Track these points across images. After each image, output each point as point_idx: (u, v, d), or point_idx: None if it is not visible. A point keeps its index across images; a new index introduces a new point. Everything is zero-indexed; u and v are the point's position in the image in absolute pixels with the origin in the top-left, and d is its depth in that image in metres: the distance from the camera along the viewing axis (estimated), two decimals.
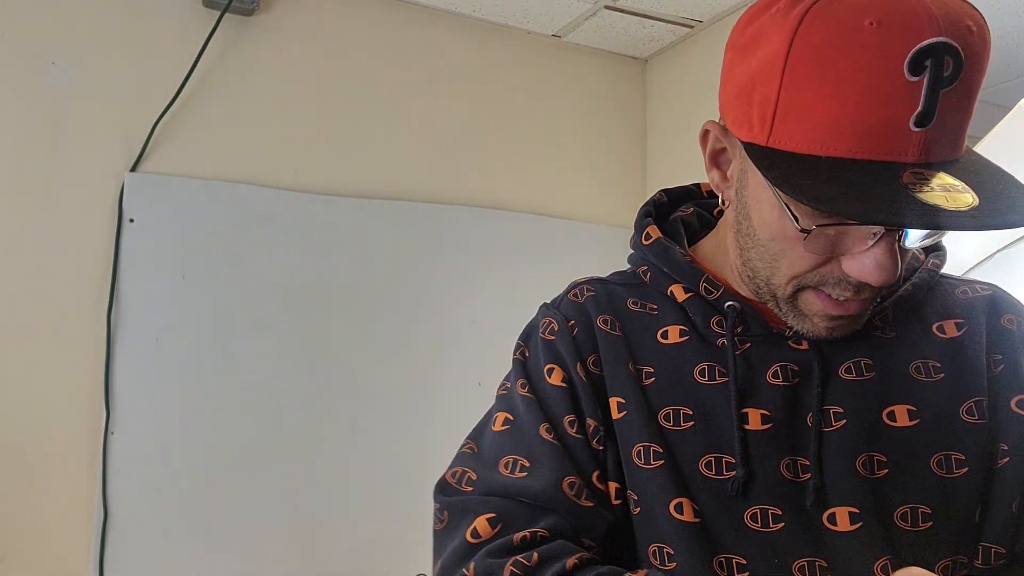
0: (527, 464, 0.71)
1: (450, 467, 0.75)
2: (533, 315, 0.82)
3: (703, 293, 0.73)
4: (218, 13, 1.95)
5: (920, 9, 0.54)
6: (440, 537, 0.72)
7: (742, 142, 0.63)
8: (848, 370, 0.69)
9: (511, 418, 0.75)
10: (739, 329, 0.71)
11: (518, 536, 0.66)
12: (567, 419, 0.72)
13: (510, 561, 0.64)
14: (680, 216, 0.83)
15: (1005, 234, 1.45)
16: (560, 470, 0.69)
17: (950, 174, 0.56)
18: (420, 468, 2.05)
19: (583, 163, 2.46)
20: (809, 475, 0.67)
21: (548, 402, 0.73)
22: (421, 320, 2.13)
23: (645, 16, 2.26)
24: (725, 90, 0.66)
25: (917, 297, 0.73)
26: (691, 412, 0.70)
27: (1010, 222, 0.53)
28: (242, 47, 2.01)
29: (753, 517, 0.66)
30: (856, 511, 0.65)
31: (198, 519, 1.84)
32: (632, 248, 0.81)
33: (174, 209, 1.89)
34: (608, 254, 2.29)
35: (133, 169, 1.87)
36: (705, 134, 0.70)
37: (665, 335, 0.74)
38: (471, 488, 0.72)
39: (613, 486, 0.71)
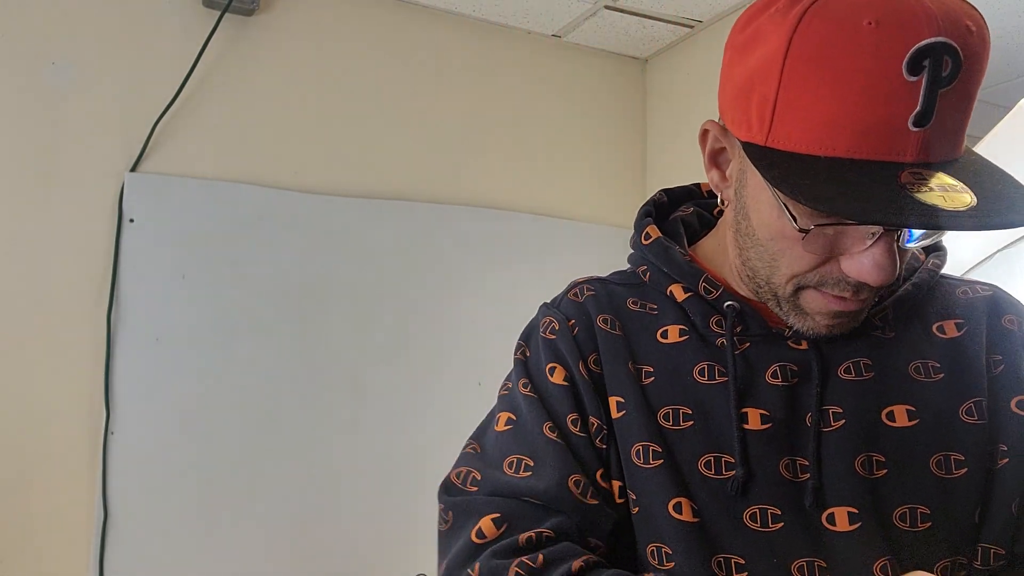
0: (531, 464, 0.71)
1: (454, 468, 0.75)
2: (533, 315, 0.82)
3: (702, 293, 0.73)
4: (218, 13, 1.95)
5: (919, 9, 0.54)
6: (445, 538, 0.72)
7: (741, 142, 0.63)
8: (847, 370, 0.69)
9: (514, 418, 0.75)
10: (738, 329, 0.71)
11: (523, 536, 0.66)
12: (570, 418, 0.72)
13: (515, 562, 0.64)
14: (680, 216, 0.83)
15: (1005, 234, 1.45)
16: (565, 468, 0.69)
17: (949, 174, 0.55)
18: (420, 468, 2.05)
19: (583, 163, 2.46)
20: (808, 475, 0.67)
21: (551, 401, 0.73)
22: (421, 320, 2.13)
23: (645, 16, 2.26)
24: (724, 90, 0.66)
25: (917, 297, 0.73)
26: (690, 412, 0.70)
27: (1009, 222, 0.53)
28: (242, 47, 2.01)
29: (752, 517, 0.66)
30: (855, 511, 0.65)
31: (198, 519, 1.84)
32: (632, 248, 0.82)
33: (174, 209, 1.89)
34: (608, 254, 2.30)
35: (133, 169, 1.87)
36: (704, 134, 0.70)
37: (665, 335, 0.74)
38: (476, 488, 0.72)
39: (616, 484, 0.71)
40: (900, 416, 0.68)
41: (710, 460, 0.68)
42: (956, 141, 0.58)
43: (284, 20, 2.07)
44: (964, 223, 0.52)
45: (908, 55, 0.54)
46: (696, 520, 0.67)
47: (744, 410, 0.69)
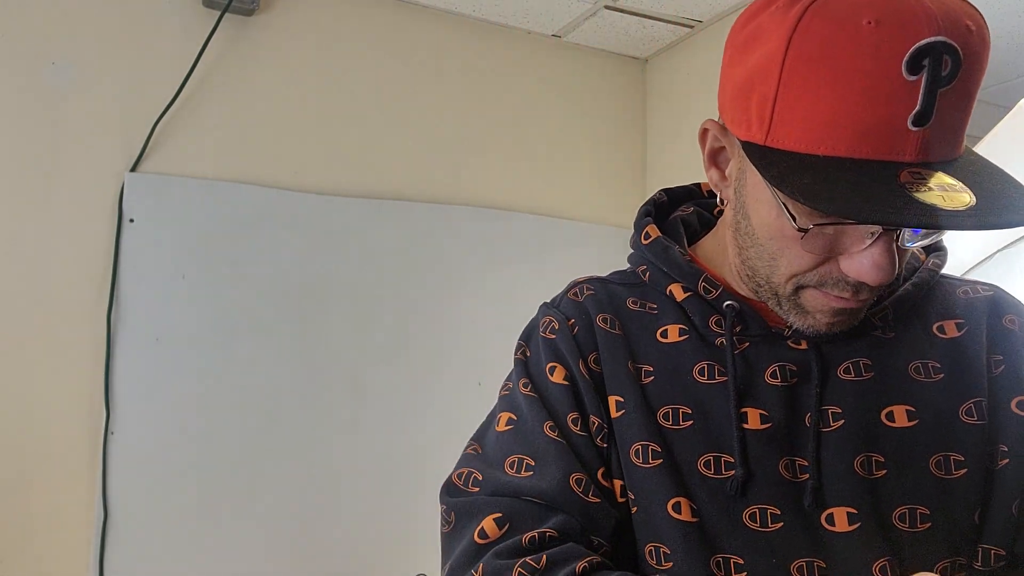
0: (532, 463, 0.71)
1: (455, 469, 0.75)
2: (533, 315, 0.82)
3: (702, 292, 0.73)
4: (218, 13, 1.95)
5: (919, 8, 0.54)
6: (448, 539, 0.71)
7: (740, 141, 0.63)
8: (847, 370, 0.69)
9: (515, 418, 0.75)
10: (738, 329, 0.71)
11: (526, 537, 0.66)
12: (570, 417, 0.72)
13: (519, 563, 0.64)
14: (680, 216, 0.83)
15: (1004, 234, 1.44)
16: (567, 467, 0.69)
17: (948, 174, 0.55)
18: (420, 468, 2.05)
19: (583, 163, 2.46)
20: (807, 475, 0.67)
21: (551, 400, 0.73)
22: (421, 320, 2.13)
23: (645, 16, 2.26)
24: (724, 89, 0.66)
25: (917, 297, 0.73)
26: (690, 411, 0.70)
27: (1008, 222, 0.53)
28: (242, 47, 2.02)
29: (751, 517, 0.66)
30: (854, 511, 0.65)
31: (198, 519, 1.84)
32: (632, 247, 0.82)
33: (174, 209, 1.89)
34: (608, 254, 2.30)
35: (133, 169, 1.87)
36: (704, 133, 0.70)
37: (664, 334, 0.74)
38: (477, 489, 0.72)
39: (618, 483, 0.71)
40: (900, 416, 0.68)
41: (709, 460, 0.68)
42: (956, 141, 0.58)
43: (284, 20, 2.07)
44: (963, 223, 0.52)
45: (908, 54, 0.54)
46: (695, 520, 0.67)
47: (743, 410, 0.69)
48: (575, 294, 0.79)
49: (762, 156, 0.59)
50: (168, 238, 1.88)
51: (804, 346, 0.70)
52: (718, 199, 0.72)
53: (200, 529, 1.84)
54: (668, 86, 2.50)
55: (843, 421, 0.68)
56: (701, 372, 0.71)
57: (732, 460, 0.68)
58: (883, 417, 0.68)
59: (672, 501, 0.67)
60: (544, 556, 0.64)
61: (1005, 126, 1.38)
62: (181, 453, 1.84)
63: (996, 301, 0.74)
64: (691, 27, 2.32)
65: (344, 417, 2.02)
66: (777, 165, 0.58)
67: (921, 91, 0.54)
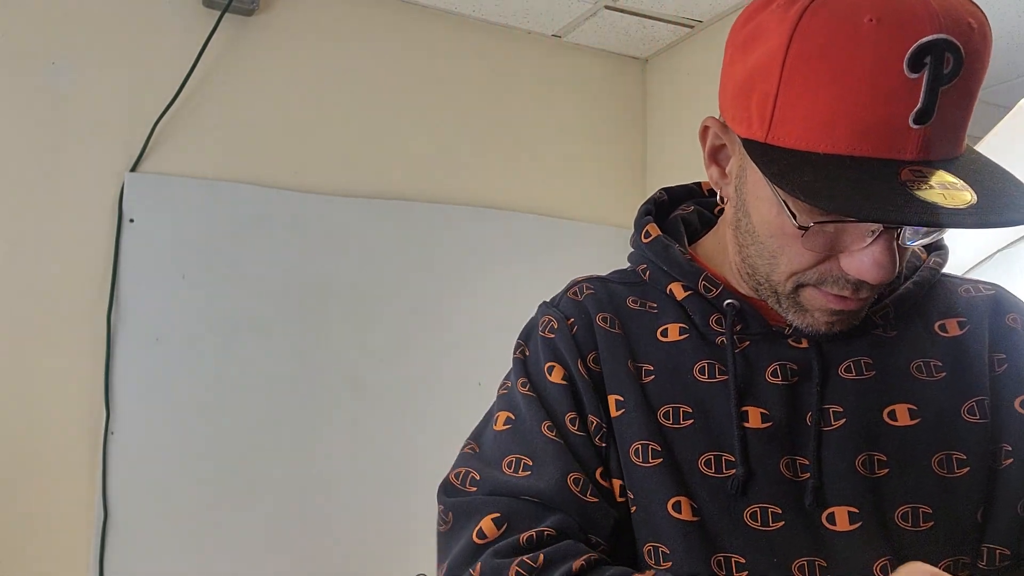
0: (530, 463, 0.70)
1: (453, 468, 0.75)
2: (533, 314, 0.82)
3: (702, 291, 0.73)
4: (218, 13, 1.95)
5: (920, 6, 0.54)
6: (445, 538, 0.71)
7: (741, 139, 0.63)
8: (848, 369, 0.69)
9: (512, 417, 0.75)
10: (738, 327, 0.71)
11: (524, 536, 0.65)
12: (568, 416, 0.72)
13: (516, 561, 0.63)
14: (680, 214, 0.82)
15: (1005, 234, 1.45)
16: (564, 467, 0.69)
17: (949, 172, 0.55)
18: (420, 468, 2.05)
19: (583, 163, 2.46)
20: (808, 474, 0.67)
21: (549, 400, 0.73)
22: (421, 320, 2.13)
23: (645, 16, 2.26)
24: (724, 87, 0.66)
25: (918, 295, 0.73)
26: (691, 410, 0.70)
27: (1009, 220, 0.53)
28: (242, 47, 2.01)
29: (752, 516, 0.66)
30: (855, 511, 0.65)
31: (198, 519, 1.84)
32: (632, 246, 0.81)
33: (174, 209, 1.89)
34: (608, 254, 2.30)
35: (133, 169, 1.87)
36: (705, 130, 0.70)
37: (665, 333, 0.74)
38: (475, 489, 0.72)
39: (617, 483, 0.70)
40: (902, 415, 0.68)
41: (710, 459, 0.68)
42: (957, 139, 0.58)
43: (284, 20, 2.07)
44: (964, 221, 0.52)
45: (909, 52, 0.54)
46: (696, 519, 0.67)
47: (744, 409, 0.68)
48: (575, 293, 0.79)
49: (763, 153, 0.59)
50: (168, 238, 1.88)
51: (805, 345, 0.70)
52: (718, 197, 0.72)
53: (200, 529, 1.84)
54: (668, 86, 2.50)
55: (844, 420, 0.67)
56: (701, 371, 0.71)
57: (733, 459, 0.67)
58: (885, 416, 0.68)
59: (672, 500, 0.67)
60: (541, 554, 0.64)
61: (1005, 126, 1.38)
62: (181, 453, 1.84)
63: (998, 300, 0.74)
64: (691, 27, 2.32)
65: (344, 417, 2.01)
66: (778, 163, 0.58)
67: (922, 89, 0.54)
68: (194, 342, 1.88)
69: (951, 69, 0.54)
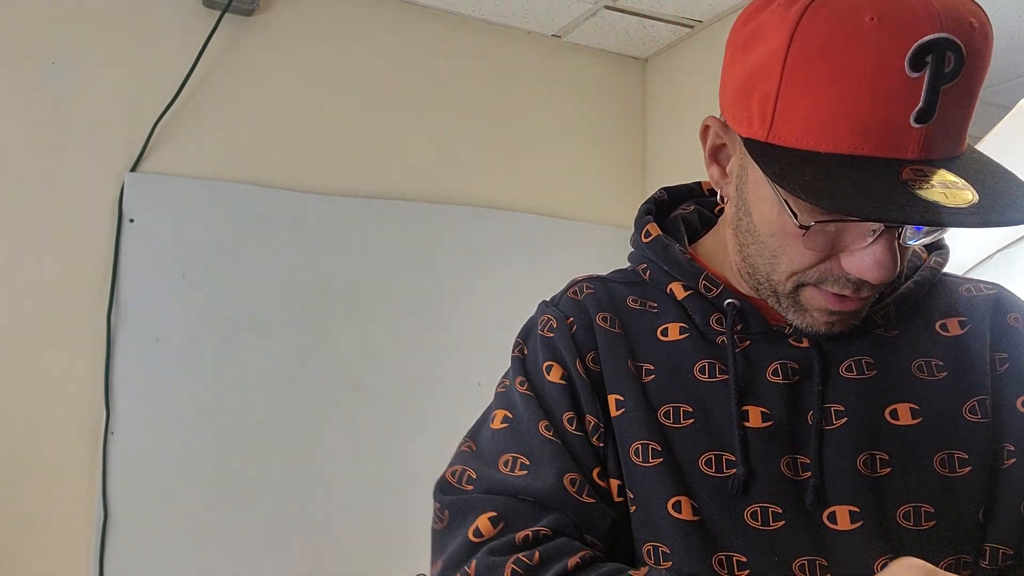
0: (527, 462, 0.70)
1: (449, 466, 0.75)
2: (532, 313, 0.82)
3: (702, 291, 0.73)
4: (218, 13, 1.95)
5: (921, 5, 0.54)
6: (440, 536, 0.71)
7: (742, 138, 0.63)
8: (849, 368, 0.69)
9: (510, 416, 0.75)
10: (739, 327, 0.71)
11: (520, 535, 0.65)
12: (566, 416, 0.72)
13: (512, 559, 0.63)
14: (681, 214, 0.82)
15: (1005, 233, 1.45)
16: (561, 467, 0.69)
17: (951, 171, 0.55)
18: (420, 468, 2.05)
19: (583, 163, 2.46)
20: (809, 473, 0.67)
21: (547, 399, 0.73)
22: (421, 320, 2.13)
23: (645, 16, 2.26)
24: (725, 86, 0.66)
25: (919, 295, 0.73)
26: (691, 410, 0.70)
27: (1010, 220, 0.53)
28: (242, 47, 2.01)
29: (753, 515, 0.66)
30: (856, 510, 0.65)
31: (198, 519, 1.84)
32: (632, 246, 0.81)
33: (174, 209, 1.89)
34: (608, 254, 2.30)
35: (133, 169, 1.87)
36: (705, 129, 0.70)
37: (665, 332, 0.74)
38: (471, 487, 0.71)
39: (615, 483, 0.70)
40: (903, 414, 0.68)
41: (711, 458, 0.68)
42: (958, 138, 0.57)
43: (284, 20, 2.07)
44: (965, 220, 0.52)
45: (910, 51, 0.54)
46: (696, 519, 0.67)
47: (745, 408, 0.68)
48: (575, 292, 0.79)
49: (764, 153, 0.59)
50: (168, 238, 1.88)
51: (805, 344, 0.70)
52: (719, 197, 0.72)
53: (200, 529, 1.84)
54: (668, 86, 2.50)
55: (846, 419, 0.67)
56: (702, 370, 0.71)
57: (733, 458, 0.67)
58: (887, 415, 0.68)
59: (672, 500, 0.67)
60: (537, 552, 0.64)
61: (1005, 126, 1.38)
62: (181, 453, 1.84)
63: (999, 300, 0.74)
64: (691, 27, 2.32)
65: (344, 417, 2.01)
66: (779, 162, 0.58)
67: (924, 88, 0.54)
68: (194, 342, 1.88)
69: (952, 68, 0.54)
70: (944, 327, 0.72)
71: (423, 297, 2.14)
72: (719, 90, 0.68)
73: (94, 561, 1.74)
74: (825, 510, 0.66)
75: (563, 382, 0.73)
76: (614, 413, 0.71)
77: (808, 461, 0.67)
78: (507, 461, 0.71)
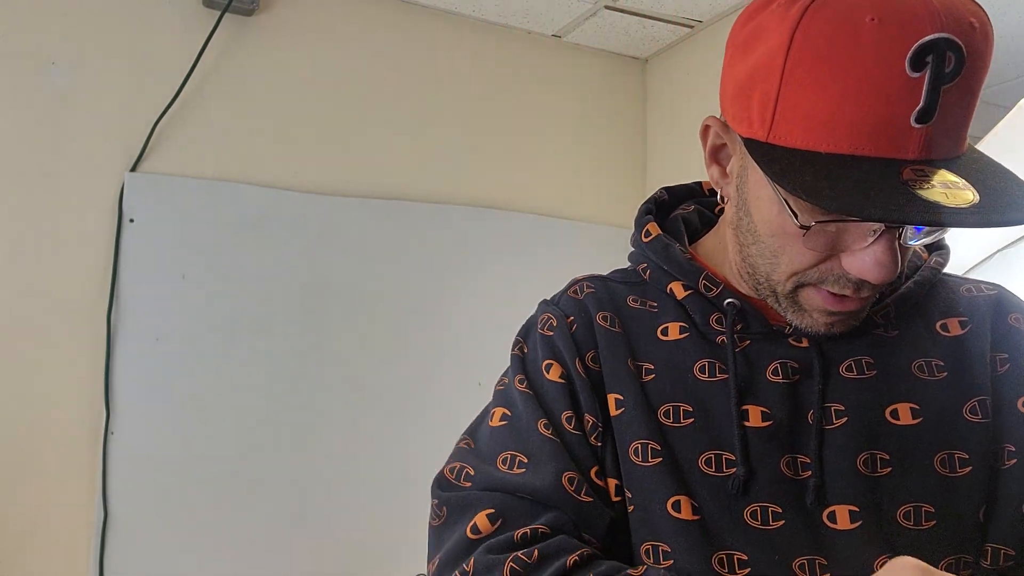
0: (525, 460, 0.70)
1: (447, 463, 0.75)
2: (533, 312, 0.82)
3: (702, 290, 0.73)
4: (218, 13, 1.95)
5: (921, 5, 0.54)
6: (438, 532, 0.71)
7: (742, 138, 0.63)
8: (849, 368, 0.69)
9: (509, 414, 0.75)
10: (739, 326, 0.71)
11: (519, 532, 0.65)
12: (565, 415, 0.72)
13: (510, 557, 0.63)
14: (681, 214, 0.82)
15: (1005, 234, 1.45)
16: (560, 466, 0.69)
17: (951, 171, 0.55)
18: (420, 468, 2.05)
19: (583, 163, 2.46)
20: (809, 473, 0.67)
21: (546, 398, 0.73)
22: (421, 320, 2.13)
23: (645, 16, 2.26)
24: (725, 87, 0.66)
25: (919, 295, 0.73)
26: (691, 409, 0.70)
27: (1011, 220, 0.53)
28: (242, 47, 2.01)
29: (753, 515, 0.66)
30: (856, 509, 0.65)
31: (198, 519, 1.84)
32: (632, 246, 0.81)
33: (174, 209, 1.89)
34: (608, 254, 2.30)
35: (133, 169, 1.87)
36: (705, 129, 0.70)
37: (665, 332, 0.74)
38: (470, 484, 0.71)
39: (612, 482, 0.70)
40: (904, 414, 0.68)
41: (710, 458, 0.68)
42: (959, 138, 0.57)
43: (284, 20, 2.07)
44: (966, 220, 0.52)
45: (911, 51, 0.54)
46: (696, 518, 0.67)
47: (745, 407, 0.68)
48: (575, 291, 0.79)
49: (764, 153, 0.59)
50: (168, 238, 1.88)
51: (805, 344, 0.70)
52: (719, 196, 0.72)
53: (200, 529, 1.84)
54: (668, 86, 2.50)
55: (846, 419, 0.67)
56: (702, 370, 0.71)
57: (733, 458, 0.67)
58: (887, 415, 0.68)
59: (672, 499, 0.67)
60: (536, 550, 0.64)
61: (1005, 125, 1.38)
62: (181, 453, 1.84)
63: (1000, 300, 0.74)
64: (691, 27, 2.32)
65: (344, 417, 2.01)
66: (779, 162, 0.58)
67: (924, 88, 0.54)
68: (194, 342, 1.88)
69: (953, 68, 0.54)
70: (945, 327, 0.72)
71: (423, 297, 2.14)
72: (719, 90, 0.68)
73: (94, 561, 1.74)
74: (825, 510, 0.66)
75: (562, 381, 0.73)
76: (614, 412, 0.71)
77: (808, 461, 0.67)
78: (506, 459, 0.71)
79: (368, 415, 2.04)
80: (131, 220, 1.85)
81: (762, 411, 0.68)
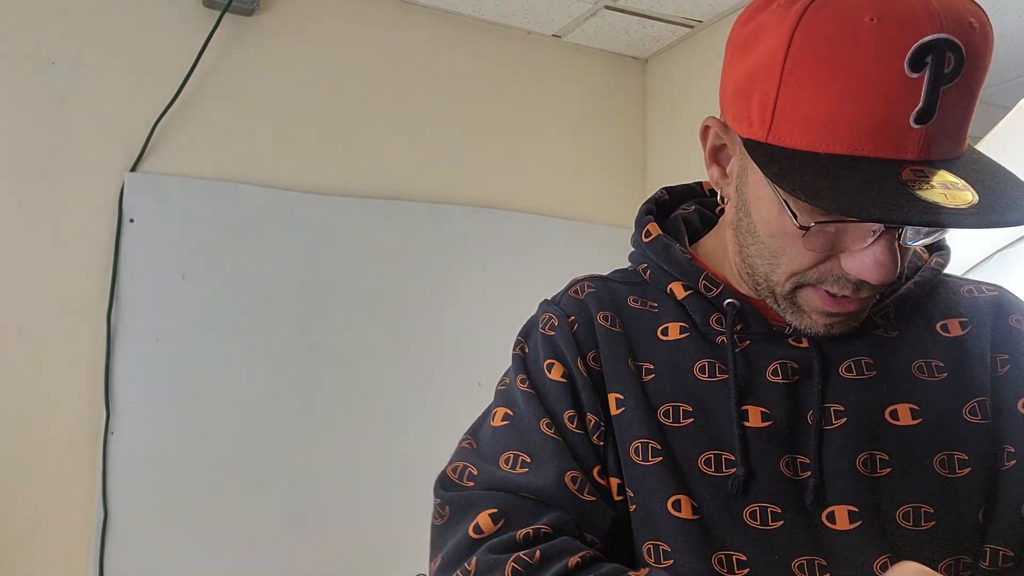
0: (528, 460, 0.70)
1: (450, 462, 0.75)
2: (534, 312, 0.82)
3: (702, 291, 0.73)
4: (218, 13, 1.95)
5: (920, 6, 0.54)
6: (440, 532, 0.71)
7: (742, 138, 0.63)
8: (848, 368, 0.69)
9: (511, 413, 0.75)
10: (739, 327, 0.71)
11: (521, 532, 0.65)
12: (567, 414, 0.72)
13: (512, 558, 0.63)
14: (681, 214, 0.82)
15: (1005, 234, 1.45)
16: (562, 465, 0.69)
17: (951, 171, 0.55)
18: (420, 468, 2.05)
19: (583, 163, 2.46)
20: (809, 473, 0.67)
21: (548, 397, 0.73)
22: (421, 320, 2.13)
23: (645, 16, 2.26)
24: (725, 87, 0.66)
25: (920, 296, 0.73)
26: (691, 409, 0.70)
27: (1010, 220, 0.53)
28: (242, 47, 2.01)
29: (752, 515, 0.66)
30: (855, 510, 0.65)
31: (198, 519, 1.84)
32: (633, 246, 0.81)
33: (174, 209, 1.89)
34: (608, 254, 2.29)
35: (133, 169, 1.87)
36: (705, 130, 0.70)
37: (665, 332, 0.74)
38: (472, 483, 0.71)
39: (614, 482, 0.70)
40: (904, 415, 0.68)
41: (710, 458, 0.68)
42: (958, 138, 0.57)
43: (284, 20, 2.07)
44: (965, 221, 0.52)
45: (910, 52, 0.54)
46: (696, 517, 0.67)
47: (744, 408, 0.68)
48: (576, 291, 0.79)
49: (763, 153, 0.59)
50: (168, 238, 1.88)
51: (805, 344, 0.70)
52: (719, 197, 0.72)
53: (200, 529, 1.84)
54: (668, 86, 2.50)
55: (845, 419, 0.67)
56: (702, 370, 0.71)
57: (733, 458, 0.67)
58: (887, 415, 0.68)
59: (672, 499, 0.67)
60: (538, 551, 0.64)
61: (1005, 126, 1.38)
62: (181, 453, 1.84)
63: (1001, 301, 0.74)
64: (691, 27, 2.32)
65: (344, 417, 2.01)
66: (778, 162, 0.58)
67: (923, 88, 0.54)
68: (194, 342, 1.88)
69: (952, 68, 0.54)
70: (945, 328, 0.72)
71: (423, 297, 2.14)
72: (719, 90, 0.68)
73: (94, 561, 1.74)
74: (824, 510, 0.66)
75: (564, 380, 0.73)
76: (614, 412, 0.71)
77: (808, 461, 0.67)
78: (508, 458, 0.71)
79: (368, 415, 2.04)
80: (131, 220, 1.85)
81: (762, 411, 0.68)
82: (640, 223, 0.80)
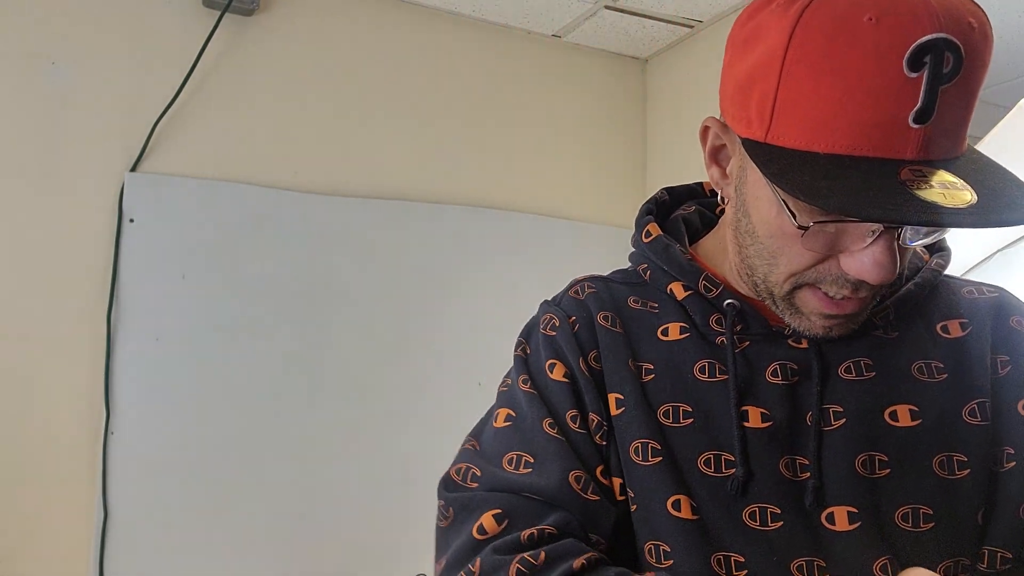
0: (531, 460, 0.70)
1: (453, 464, 0.75)
2: (534, 313, 0.82)
3: (702, 291, 0.73)
4: (218, 13, 1.95)
5: (920, 5, 0.54)
6: (444, 533, 0.71)
7: (741, 138, 0.63)
8: (848, 369, 0.69)
9: (513, 414, 0.75)
10: (738, 327, 0.71)
11: (525, 533, 0.65)
12: (569, 414, 0.72)
13: (517, 559, 0.63)
14: (681, 214, 0.82)
15: (1005, 234, 1.44)
16: (566, 465, 0.69)
17: (950, 171, 0.55)
18: (420, 469, 2.05)
19: (583, 163, 2.46)
20: (808, 474, 0.67)
21: (550, 397, 0.73)
22: (421, 320, 2.13)
23: (645, 16, 2.26)
24: (724, 87, 0.66)
25: (920, 297, 0.72)
26: (690, 409, 0.70)
27: (1009, 220, 0.53)
28: (242, 47, 2.01)
29: (751, 515, 0.66)
30: (855, 511, 0.65)
31: (198, 519, 1.84)
32: (633, 246, 0.81)
33: (174, 209, 1.89)
34: (608, 254, 2.30)
35: (133, 169, 1.87)
36: (705, 130, 0.70)
37: (665, 332, 0.74)
38: (476, 484, 0.71)
39: (617, 481, 0.70)
40: (903, 416, 0.68)
41: (710, 458, 0.68)
42: (957, 138, 0.57)
43: (284, 20, 2.07)
44: (964, 220, 0.52)
45: (909, 51, 0.54)
46: (695, 518, 0.67)
47: (744, 408, 0.68)
48: (576, 292, 0.79)
49: (762, 153, 0.59)
50: (168, 238, 1.88)
51: (805, 345, 0.70)
52: (719, 197, 0.72)
53: (200, 529, 1.84)
54: (668, 86, 2.50)
55: (845, 420, 0.67)
56: (702, 370, 0.71)
57: (732, 459, 0.67)
58: (886, 416, 0.68)
59: (672, 499, 0.67)
60: (543, 552, 0.64)
61: (1005, 125, 1.38)
62: (181, 453, 1.84)
63: (1002, 302, 0.74)
64: (691, 27, 2.32)
65: (344, 417, 2.01)
66: (777, 162, 0.58)
67: (922, 88, 0.54)
68: (194, 342, 1.88)
69: (951, 68, 0.54)
70: (945, 329, 0.72)
71: (423, 297, 2.14)
72: (719, 90, 0.68)
73: (94, 561, 1.74)
74: (823, 511, 0.66)
75: (566, 380, 0.73)
76: (614, 412, 0.71)
77: (807, 462, 0.67)
78: (511, 459, 0.71)
79: (368, 415, 2.04)
80: (131, 220, 1.85)
81: (761, 412, 0.68)
82: (640, 223, 0.80)
